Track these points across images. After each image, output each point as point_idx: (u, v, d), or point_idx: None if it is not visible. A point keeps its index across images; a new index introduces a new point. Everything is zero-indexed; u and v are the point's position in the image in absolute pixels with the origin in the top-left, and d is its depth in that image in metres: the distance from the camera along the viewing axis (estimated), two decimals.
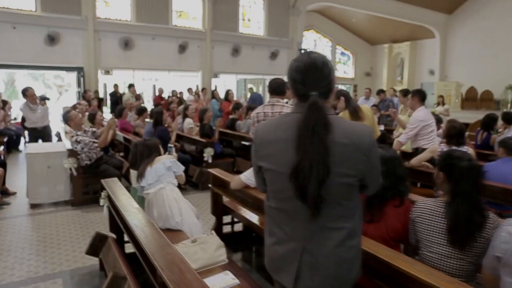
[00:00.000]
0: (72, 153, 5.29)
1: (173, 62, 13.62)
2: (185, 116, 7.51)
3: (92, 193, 5.59)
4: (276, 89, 3.92)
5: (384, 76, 21.74)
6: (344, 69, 22.60)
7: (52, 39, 11.44)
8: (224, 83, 16.12)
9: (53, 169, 5.34)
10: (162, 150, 3.82)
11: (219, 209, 4.23)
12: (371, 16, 18.70)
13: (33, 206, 5.33)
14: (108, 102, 11.90)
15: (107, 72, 12.75)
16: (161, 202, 3.35)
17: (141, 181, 3.47)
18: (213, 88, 13.49)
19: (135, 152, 3.74)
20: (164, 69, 13.91)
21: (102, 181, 3.71)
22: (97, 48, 12.28)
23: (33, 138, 7.19)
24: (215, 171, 4.12)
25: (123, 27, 12.65)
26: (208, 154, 6.43)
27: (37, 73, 19.22)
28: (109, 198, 3.61)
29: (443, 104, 10.77)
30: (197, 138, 6.91)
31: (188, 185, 6.33)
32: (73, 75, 12.86)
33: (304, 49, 16.21)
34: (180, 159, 6.53)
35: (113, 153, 6.52)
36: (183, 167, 3.69)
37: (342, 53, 22.28)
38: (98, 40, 12.29)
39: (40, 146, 5.71)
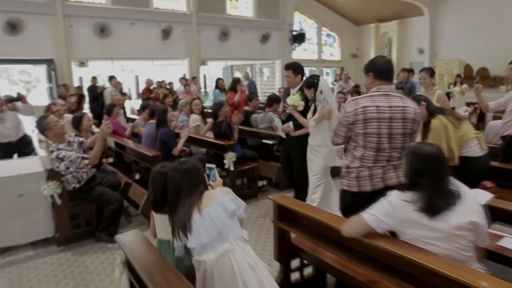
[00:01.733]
0: (53, 174, 3.70)
1: (157, 50, 11.83)
2: (189, 111, 5.99)
3: (85, 225, 4.04)
4: (387, 71, 2.60)
5: (372, 57, 20.43)
6: (331, 51, 21.29)
7: (13, 27, 9.44)
8: (208, 71, 14.47)
9: (27, 197, 3.74)
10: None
11: (285, 252, 2.82)
12: None
13: (2, 250, 3.74)
14: (86, 98, 10.09)
15: (82, 64, 10.86)
16: (229, 274, 1.87)
17: (186, 239, 1.98)
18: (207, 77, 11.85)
19: (161, 186, 2.26)
20: (147, 58, 12.08)
21: (116, 238, 2.21)
22: (69, 36, 10.35)
23: (5, 155, 5.27)
24: (280, 199, 2.69)
25: (97, 11, 10.74)
26: (229, 160, 4.95)
27: None
28: (129, 266, 2.13)
29: (461, 83, 9.62)
30: (210, 139, 5.40)
31: None
32: (42, 69, 10.87)
33: (296, 31, 14.76)
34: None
35: (104, 164, 4.93)
36: (244, 203, 2.22)
37: (328, 35, 20.89)
38: (69, 27, 10.36)
39: (6, 166, 4.05)
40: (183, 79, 10.26)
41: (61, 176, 3.70)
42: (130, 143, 5.16)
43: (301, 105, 4.03)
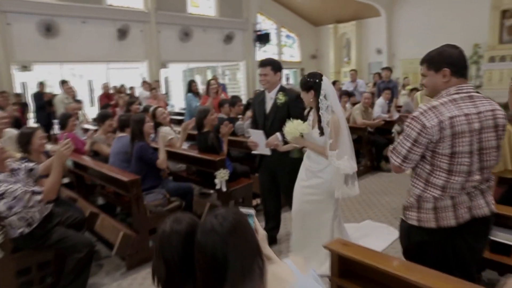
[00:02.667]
0: None
1: (112, 52, 10.49)
2: (157, 123, 4.81)
3: (39, 282, 2.92)
4: (465, 64, 1.92)
5: (331, 57, 20.39)
6: (291, 53, 20.80)
7: None
8: (167, 74, 13.28)
9: None
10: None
11: None
12: None
13: None
14: (31, 107, 8.61)
15: (25, 68, 9.31)
16: None
17: None
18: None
19: (178, 258, 1.29)
20: (101, 61, 10.69)
21: None
22: (8, 36, 8.79)
23: None
24: (341, 248, 1.83)
25: (41, 7, 9.22)
26: (221, 179, 3.99)
27: None
28: None
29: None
30: (194, 153, 4.41)
31: None
32: None
33: (260, 31, 13.98)
34: (176, 190, 4.04)
35: (61, 190, 3.76)
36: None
37: (288, 36, 20.39)
38: (7, 25, 8.80)
39: None
40: (146, 83, 9.03)
41: (1, 220, 2.57)
42: (97, 164, 4.02)
43: (306, 128, 2.95)
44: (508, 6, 14.22)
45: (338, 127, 2.87)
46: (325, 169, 2.97)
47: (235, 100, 5.49)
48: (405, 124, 1.92)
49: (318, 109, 2.91)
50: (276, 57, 19.69)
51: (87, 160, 4.20)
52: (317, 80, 2.90)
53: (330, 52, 20.42)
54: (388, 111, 6.96)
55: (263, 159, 3.54)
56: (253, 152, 3.43)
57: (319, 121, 2.92)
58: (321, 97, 2.87)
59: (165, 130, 4.75)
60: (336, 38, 20.13)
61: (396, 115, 6.82)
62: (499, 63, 12.79)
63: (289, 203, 3.43)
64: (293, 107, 3.29)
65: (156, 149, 3.85)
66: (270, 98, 3.40)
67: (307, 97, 2.96)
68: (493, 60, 14.38)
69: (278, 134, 3.16)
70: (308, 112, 3.19)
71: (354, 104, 6.90)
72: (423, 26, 16.63)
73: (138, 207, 3.42)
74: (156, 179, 3.80)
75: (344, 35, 20.12)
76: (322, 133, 2.92)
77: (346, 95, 6.84)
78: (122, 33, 10.53)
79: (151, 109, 5.06)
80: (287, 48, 20.54)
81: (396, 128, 6.44)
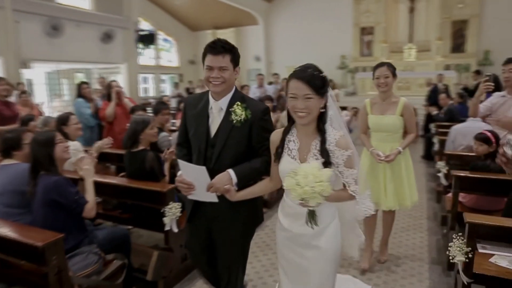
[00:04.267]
0: None
1: None
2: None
3: None
4: None
5: None
6: (169, 57, 19.49)
7: None
8: (25, 77, 10.60)
9: None
10: None
11: None
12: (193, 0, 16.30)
13: None
14: None
15: None
16: None
17: None
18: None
19: None
20: None
21: None
22: None
23: None
24: None
25: None
26: (172, 216, 2.82)
27: None
28: None
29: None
30: (125, 182, 3.08)
31: None
32: None
33: (143, 31, 12.39)
34: (110, 241, 2.68)
35: None
36: None
37: (165, 40, 19.01)
38: None
39: None
40: (10, 85, 6.67)
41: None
42: None
43: (326, 190, 1.54)
44: (366, 24, 15.88)
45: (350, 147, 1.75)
46: (329, 226, 1.79)
47: (159, 107, 4.22)
48: None
49: (320, 125, 1.74)
50: (153, 62, 18.18)
51: None
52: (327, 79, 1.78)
53: None
54: None
55: (198, 207, 2.11)
56: (188, 197, 2.06)
57: (323, 143, 1.70)
58: (328, 103, 1.76)
59: (74, 145, 3.26)
60: None
61: None
62: (371, 72, 13.99)
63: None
64: (258, 130, 1.99)
65: (76, 182, 2.46)
66: (218, 110, 2.03)
67: (317, 106, 1.69)
68: (357, 70, 15.87)
69: (231, 172, 1.93)
70: (286, 133, 1.80)
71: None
72: (297, 37, 17.44)
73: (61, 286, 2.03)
74: (79, 231, 2.41)
75: None
76: (327, 162, 1.67)
77: (269, 100, 6.17)
78: None
79: (59, 115, 3.50)
80: (165, 52, 19.15)
81: None
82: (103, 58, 11.08)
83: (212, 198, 1.95)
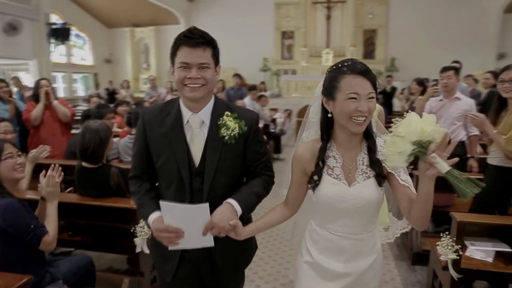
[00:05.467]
0: None
1: None
2: None
3: None
4: None
5: (128, 63, 18.70)
6: (81, 55, 17.80)
7: None
8: None
9: None
10: None
11: None
12: None
13: None
14: None
15: None
16: None
17: None
18: None
19: None
20: None
21: None
22: None
23: None
24: None
25: None
26: (144, 236, 2.44)
27: None
28: None
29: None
30: (89, 200, 2.58)
31: None
32: None
33: (56, 24, 11.03)
34: (75, 272, 2.20)
35: None
36: None
37: (77, 36, 17.27)
38: None
39: None
40: None
41: None
42: None
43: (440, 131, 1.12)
44: (287, 29, 16.38)
45: None
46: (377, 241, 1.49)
47: (102, 111, 3.68)
48: None
49: (369, 134, 1.40)
50: (65, 59, 16.38)
51: None
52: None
53: (127, 57, 18.65)
54: None
55: (184, 258, 1.57)
56: (172, 248, 1.47)
57: (372, 152, 1.38)
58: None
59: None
60: (134, 43, 18.55)
61: None
62: (296, 75, 14.45)
63: None
64: (253, 145, 1.56)
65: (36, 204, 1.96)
66: (199, 124, 1.51)
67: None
68: (279, 73, 16.23)
69: (233, 202, 1.46)
70: (325, 148, 1.41)
71: None
72: (220, 38, 16.47)
73: None
74: (39, 266, 1.92)
75: (142, 40, 18.75)
76: (380, 175, 1.36)
77: None
78: None
79: None
80: (77, 49, 17.41)
81: None
82: (7, 53, 9.58)
83: (208, 242, 1.44)
